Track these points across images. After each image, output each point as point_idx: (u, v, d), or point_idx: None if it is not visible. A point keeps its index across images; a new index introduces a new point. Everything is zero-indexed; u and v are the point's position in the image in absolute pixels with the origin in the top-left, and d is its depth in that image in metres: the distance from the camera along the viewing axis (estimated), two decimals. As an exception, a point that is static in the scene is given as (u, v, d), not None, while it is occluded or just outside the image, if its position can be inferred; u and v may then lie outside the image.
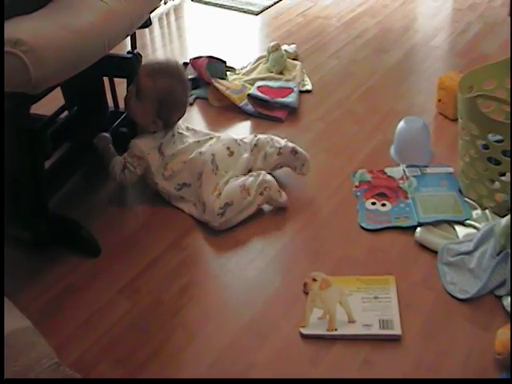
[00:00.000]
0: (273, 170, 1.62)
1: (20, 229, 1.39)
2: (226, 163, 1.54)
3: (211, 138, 1.63)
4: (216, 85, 2.00)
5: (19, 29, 1.12)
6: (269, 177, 1.51)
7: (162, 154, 1.55)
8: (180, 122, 1.64)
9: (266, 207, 1.54)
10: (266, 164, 1.60)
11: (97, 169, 1.69)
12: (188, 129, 1.69)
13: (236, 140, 1.62)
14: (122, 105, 1.72)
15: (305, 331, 1.20)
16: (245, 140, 1.64)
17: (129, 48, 1.65)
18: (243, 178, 1.52)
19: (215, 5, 2.94)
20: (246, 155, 1.60)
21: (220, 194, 1.47)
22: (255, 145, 1.61)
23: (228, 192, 1.47)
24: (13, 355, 0.94)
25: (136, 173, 1.54)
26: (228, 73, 2.16)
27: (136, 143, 1.55)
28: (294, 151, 1.58)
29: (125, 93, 1.65)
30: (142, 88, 1.53)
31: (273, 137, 1.64)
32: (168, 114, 1.56)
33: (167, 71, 1.56)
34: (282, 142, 1.61)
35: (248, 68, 2.23)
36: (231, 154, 1.57)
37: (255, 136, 1.64)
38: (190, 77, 2.08)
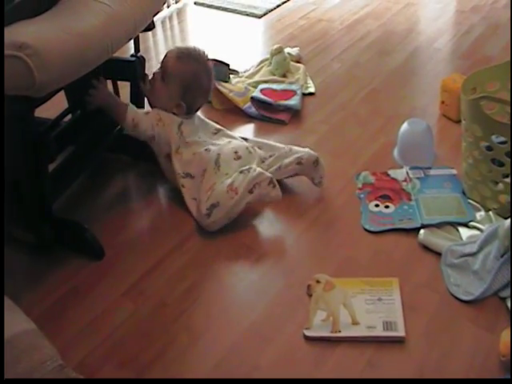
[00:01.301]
0: (285, 178, 1.60)
1: (24, 231, 1.39)
2: (229, 165, 1.52)
3: (223, 135, 1.64)
4: (219, 88, 2.00)
5: (23, 32, 1.13)
6: (258, 172, 1.44)
7: (181, 132, 1.55)
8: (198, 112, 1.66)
9: (269, 209, 1.54)
10: (280, 174, 1.57)
11: (101, 171, 1.70)
12: (201, 119, 1.68)
13: (247, 147, 1.59)
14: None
15: (308, 333, 1.19)
16: (258, 150, 1.62)
17: (132, 51, 1.65)
18: (234, 174, 1.46)
19: (218, 8, 2.95)
20: (253, 165, 1.55)
21: (211, 194, 1.45)
22: (270, 156, 1.60)
23: (215, 193, 1.45)
24: (17, 357, 0.94)
25: (153, 126, 1.52)
26: (231, 76, 2.16)
27: (159, 111, 1.56)
28: (316, 162, 1.55)
29: (129, 96, 1.66)
30: (170, 71, 1.56)
31: (292, 147, 1.60)
32: (192, 99, 1.59)
33: (194, 56, 1.60)
34: (305, 150, 1.57)
35: (251, 71, 2.24)
36: (238, 158, 1.55)
37: (272, 153, 1.61)
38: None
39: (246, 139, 1.67)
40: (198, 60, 1.60)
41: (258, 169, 1.46)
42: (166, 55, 1.60)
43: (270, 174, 1.46)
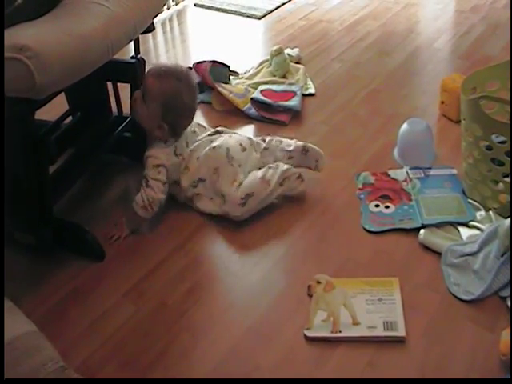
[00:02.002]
0: None
1: (25, 233, 1.40)
2: (239, 157, 1.55)
3: (223, 133, 1.63)
4: (219, 89, 2.00)
5: (24, 35, 1.13)
6: (287, 166, 1.53)
7: (181, 155, 1.54)
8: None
9: (269, 210, 1.54)
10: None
11: (101, 173, 1.70)
12: (199, 125, 1.68)
13: (248, 138, 1.63)
14: (125, 110, 1.72)
15: (309, 333, 1.20)
16: (255, 140, 1.65)
17: (132, 53, 1.65)
18: (263, 169, 1.53)
19: (218, 9, 2.95)
20: (256, 155, 1.61)
21: (240, 185, 1.49)
22: (265, 148, 1.63)
23: (248, 183, 1.49)
24: (18, 359, 0.95)
25: (161, 180, 1.50)
26: (231, 77, 2.17)
27: (150, 154, 1.52)
28: (304, 150, 1.60)
29: (128, 98, 1.66)
30: (148, 90, 1.51)
31: (282, 139, 1.65)
32: (174, 119, 1.53)
33: (174, 74, 1.53)
34: (292, 143, 1.62)
35: (251, 72, 2.24)
36: (243, 149, 1.58)
37: (264, 140, 1.65)
38: (193, 81, 2.09)
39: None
40: (178, 78, 1.52)
41: (286, 165, 1.53)
42: (146, 74, 1.55)
43: (297, 170, 1.54)
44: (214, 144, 1.56)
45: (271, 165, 1.55)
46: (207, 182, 1.53)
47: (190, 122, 1.60)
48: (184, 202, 1.58)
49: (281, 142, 1.63)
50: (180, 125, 1.56)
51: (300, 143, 1.61)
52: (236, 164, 1.53)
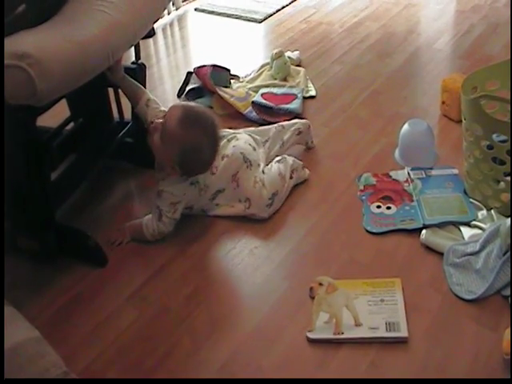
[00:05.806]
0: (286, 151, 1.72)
1: (28, 240, 1.40)
2: (254, 158, 1.57)
3: (229, 141, 1.61)
4: (220, 93, 2.01)
5: (24, 42, 1.14)
6: (292, 159, 1.62)
7: (198, 183, 1.50)
8: None
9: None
10: (283, 149, 1.71)
11: (103, 178, 1.71)
12: None
13: (250, 135, 1.66)
14: (126, 115, 1.73)
15: (311, 335, 1.20)
16: (256, 137, 1.67)
17: (133, 58, 1.66)
18: (275, 166, 1.58)
19: (218, 14, 2.96)
20: (261, 150, 1.65)
21: (263, 185, 1.51)
22: (266, 141, 1.68)
23: (272, 183, 1.53)
24: (21, 365, 0.95)
25: (175, 218, 1.47)
26: (232, 81, 2.17)
27: (168, 191, 1.45)
28: (309, 126, 1.78)
29: (129, 103, 1.66)
30: (169, 132, 1.39)
31: (282, 124, 1.75)
32: (189, 169, 1.44)
33: (202, 126, 1.42)
34: (296, 122, 1.77)
35: (252, 75, 2.25)
36: (254, 148, 1.61)
37: (266, 138, 1.70)
38: (194, 86, 2.10)
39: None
40: (205, 132, 1.41)
41: (291, 157, 1.62)
42: (170, 109, 1.44)
43: (300, 162, 1.64)
44: (228, 152, 1.56)
45: (278, 158, 1.61)
46: (226, 192, 1.54)
47: (204, 172, 1.49)
48: (204, 214, 1.56)
49: (283, 126, 1.73)
50: (194, 173, 1.47)
51: (305, 121, 1.78)
52: (255, 165, 1.55)
